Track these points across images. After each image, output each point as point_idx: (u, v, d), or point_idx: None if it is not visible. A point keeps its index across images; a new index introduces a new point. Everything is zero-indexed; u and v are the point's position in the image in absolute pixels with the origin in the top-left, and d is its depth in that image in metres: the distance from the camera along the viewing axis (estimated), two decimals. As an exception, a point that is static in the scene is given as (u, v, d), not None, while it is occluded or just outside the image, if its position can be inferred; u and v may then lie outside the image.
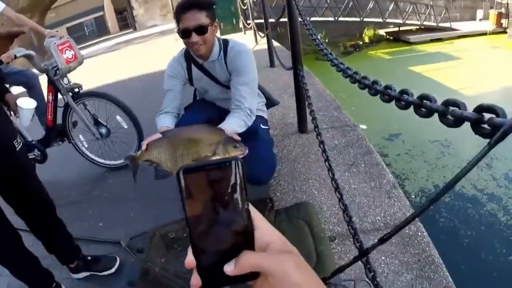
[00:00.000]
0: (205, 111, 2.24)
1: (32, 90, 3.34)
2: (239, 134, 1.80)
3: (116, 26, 32.30)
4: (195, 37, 1.87)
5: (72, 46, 2.85)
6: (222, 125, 1.84)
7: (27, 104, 2.82)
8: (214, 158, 1.53)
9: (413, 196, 5.72)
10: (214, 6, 1.96)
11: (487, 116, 0.71)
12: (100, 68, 8.45)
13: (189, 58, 2.10)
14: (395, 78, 9.84)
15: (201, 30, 1.86)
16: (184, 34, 1.88)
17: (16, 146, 1.64)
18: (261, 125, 2.17)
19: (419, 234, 1.88)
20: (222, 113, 2.14)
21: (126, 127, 3.03)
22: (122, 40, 18.60)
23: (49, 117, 2.97)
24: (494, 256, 4.43)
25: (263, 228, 0.45)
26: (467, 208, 5.38)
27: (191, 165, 0.40)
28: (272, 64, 5.43)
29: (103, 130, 3.03)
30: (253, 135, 2.06)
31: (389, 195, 2.16)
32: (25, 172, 1.73)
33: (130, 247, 2.22)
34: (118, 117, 3.02)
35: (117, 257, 2.14)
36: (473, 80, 10.54)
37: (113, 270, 2.10)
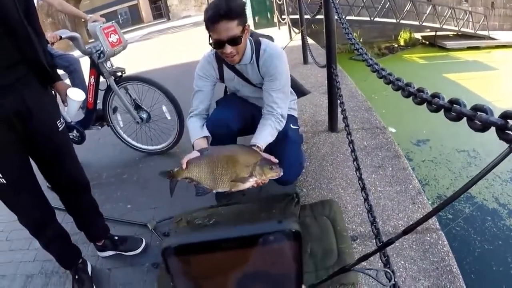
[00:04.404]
0: (238, 108, 2.21)
1: (73, 74, 3.42)
2: None
3: (149, 15, 32.69)
4: (228, 48, 1.84)
5: (117, 31, 2.90)
6: (256, 139, 1.91)
7: (77, 95, 2.89)
8: (251, 179, 1.66)
9: (431, 203, 5.66)
10: (245, 7, 1.90)
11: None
12: (133, 55, 8.58)
13: (220, 58, 2.04)
14: (428, 84, 9.64)
15: (235, 41, 1.82)
16: (217, 45, 1.85)
17: (59, 126, 1.72)
18: (291, 125, 2.16)
19: (440, 242, 1.89)
20: (254, 111, 2.18)
21: (169, 118, 3.07)
22: (156, 29, 18.78)
23: (90, 99, 3.03)
24: (506, 270, 4.40)
25: None
26: (486, 220, 5.32)
27: None
28: (305, 61, 5.43)
29: (144, 115, 3.07)
30: (282, 136, 2.07)
31: (414, 201, 2.17)
32: (66, 152, 1.80)
33: (156, 230, 2.31)
34: (164, 107, 3.06)
35: (143, 239, 2.21)
36: (509, 92, 10.27)
37: (138, 251, 2.17)
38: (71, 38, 2.71)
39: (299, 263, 0.43)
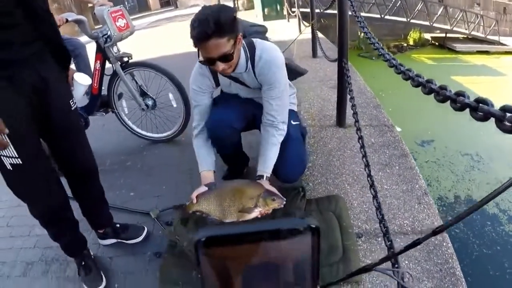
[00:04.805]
0: (238, 106, 2.13)
1: (78, 58, 3.34)
2: None
3: (157, 3, 32.46)
4: (220, 65, 1.73)
5: (125, 15, 2.84)
6: (263, 167, 1.96)
7: (83, 80, 2.84)
8: (256, 209, 1.78)
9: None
10: (235, 16, 1.70)
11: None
12: (140, 42, 8.53)
13: None
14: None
15: (226, 58, 1.71)
16: (208, 62, 1.75)
17: (72, 105, 1.70)
18: (291, 121, 2.11)
19: (444, 244, 1.87)
20: (255, 108, 2.13)
21: (175, 106, 3.03)
22: (163, 17, 18.71)
23: (95, 85, 2.97)
24: (503, 275, 4.42)
25: None
26: (486, 225, 5.33)
27: None
28: (314, 55, 5.41)
29: (149, 102, 3.03)
30: None
31: (419, 201, 2.15)
32: (78, 132, 1.78)
33: (159, 219, 2.29)
34: (170, 95, 3.03)
35: (145, 227, 2.20)
36: (516, 99, 10.20)
37: (140, 239, 2.16)
38: (77, 21, 2.66)
39: (317, 258, 0.48)
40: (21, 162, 1.47)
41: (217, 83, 2.06)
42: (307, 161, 2.47)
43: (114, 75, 2.96)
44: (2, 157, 1.45)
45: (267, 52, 1.87)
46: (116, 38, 2.74)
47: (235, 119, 2.06)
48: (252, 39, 1.93)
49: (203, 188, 1.91)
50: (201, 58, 1.76)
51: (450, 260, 1.80)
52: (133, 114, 3.28)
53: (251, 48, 1.88)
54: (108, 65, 2.91)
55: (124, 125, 3.30)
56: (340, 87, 2.87)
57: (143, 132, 3.34)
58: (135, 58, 2.96)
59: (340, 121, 3.05)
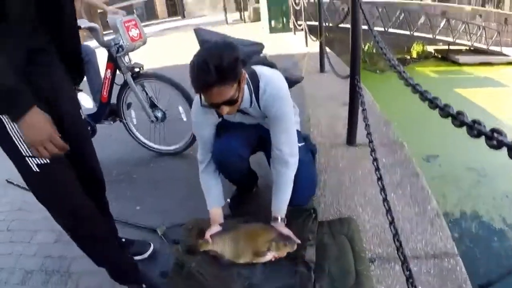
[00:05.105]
0: (243, 133, 2.08)
1: (88, 65, 3.29)
2: None
3: (164, 12, 32.61)
4: (225, 109, 1.66)
5: (138, 25, 2.81)
6: (278, 210, 1.97)
7: (85, 101, 2.85)
8: (269, 253, 1.84)
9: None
10: (238, 57, 1.59)
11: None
12: (148, 50, 8.50)
13: None
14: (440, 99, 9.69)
15: (231, 102, 1.64)
16: (212, 106, 1.67)
17: (82, 115, 1.69)
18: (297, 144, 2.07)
19: (458, 269, 1.84)
20: (260, 131, 2.10)
21: (185, 119, 2.98)
22: (170, 26, 18.77)
23: (104, 93, 2.96)
24: None
25: None
26: (492, 240, 5.28)
27: None
28: (322, 69, 5.37)
29: (159, 114, 3.01)
30: None
31: (432, 223, 2.12)
32: (86, 141, 1.76)
33: (166, 236, 2.25)
34: (180, 108, 2.98)
35: (151, 244, 2.16)
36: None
37: (145, 255, 2.11)
38: (90, 29, 2.65)
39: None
40: (48, 162, 1.38)
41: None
42: (317, 181, 2.43)
43: (125, 85, 2.94)
44: (28, 158, 1.36)
45: (271, 85, 1.81)
46: (128, 48, 2.72)
47: (241, 146, 2.04)
48: (254, 68, 1.86)
49: (216, 228, 1.98)
50: (204, 103, 1.68)
51: (463, 285, 1.77)
52: (141, 125, 3.26)
53: (255, 81, 1.81)
54: (118, 73, 2.90)
55: (132, 135, 3.28)
56: (352, 105, 2.85)
57: (151, 144, 3.30)
58: (145, 67, 2.95)
59: (351, 139, 3.02)
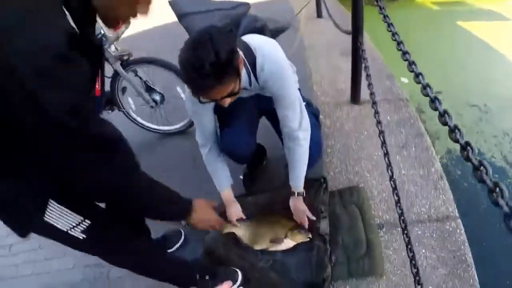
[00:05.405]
0: (246, 120, 2.04)
1: None
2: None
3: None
4: (227, 101, 1.53)
5: None
6: (293, 184, 1.97)
7: None
8: (285, 240, 1.96)
9: (439, 157, 5.74)
10: (234, 48, 1.43)
11: None
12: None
13: None
14: (442, 33, 9.35)
15: (232, 94, 1.51)
16: (213, 101, 1.56)
17: None
18: None
19: (458, 231, 2.00)
20: (261, 106, 2.08)
21: (184, 98, 2.87)
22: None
23: (97, 87, 2.70)
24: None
25: None
26: (494, 178, 5.41)
27: None
28: (319, 14, 5.09)
29: (157, 97, 2.90)
30: None
31: (436, 186, 2.23)
32: None
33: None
34: (178, 88, 2.93)
35: (181, 231, 2.23)
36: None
37: (178, 245, 2.20)
38: None
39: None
40: (90, 222, 1.35)
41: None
42: (323, 144, 2.44)
43: (116, 74, 2.81)
44: (70, 231, 1.31)
45: (269, 61, 1.66)
46: (112, 39, 2.54)
47: (247, 135, 2.04)
48: (246, 41, 1.68)
49: (235, 206, 2.05)
50: (203, 100, 1.52)
51: (462, 247, 1.93)
52: (142, 110, 3.15)
53: (251, 58, 1.65)
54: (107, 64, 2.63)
55: (133, 121, 3.20)
56: (354, 66, 2.80)
57: (154, 126, 3.23)
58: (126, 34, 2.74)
59: (355, 98, 3.01)
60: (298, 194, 1.97)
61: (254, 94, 1.94)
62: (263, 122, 2.29)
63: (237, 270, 1.89)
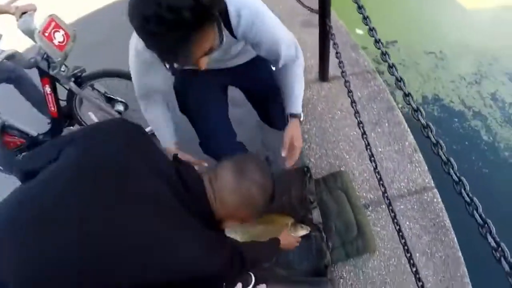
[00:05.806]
0: (218, 110, 1.96)
1: (20, 83, 2.83)
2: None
3: None
4: (204, 61, 1.23)
5: (59, 24, 2.24)
6: (293, 107, 1.79)
7: None
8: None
9: (400, 106, 5.94)
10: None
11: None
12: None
13: None
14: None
15: (211, 50, 1.20)
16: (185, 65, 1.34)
17: None
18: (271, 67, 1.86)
19: (435, 200, 2.19)
20: (231, 80, 1.99)
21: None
22: None
23: (53, 109, 2.58)
24: (471, 168, 4.85)
25: None
26: (453, 122, 5.70)
27: None
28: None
29: (120, 107, 2.74)
30: (267, 89, 1.98)
31: (411, 159, 2.37)
32: None
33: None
34: None
35: None
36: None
37: None
38: (9, 58, 2.20)
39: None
40: None
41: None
42: None
43: (71, 93, 2.64)
44: None
45: (245, 7, 1.37)
46: (60, 61, 2.29)
47: (227, 133, 2.01)
48: None
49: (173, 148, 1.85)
50: (177, 66, 1.25)
51: (440, 213, 2.14)
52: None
53: (223, 11, 1.32)
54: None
55: None
56: (322, 46, 2.66)
57: None
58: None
59: (323, 76, 2.93)
60: (297, 116, 1.80)
61: (223, 68, 1.78)
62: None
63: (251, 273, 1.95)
